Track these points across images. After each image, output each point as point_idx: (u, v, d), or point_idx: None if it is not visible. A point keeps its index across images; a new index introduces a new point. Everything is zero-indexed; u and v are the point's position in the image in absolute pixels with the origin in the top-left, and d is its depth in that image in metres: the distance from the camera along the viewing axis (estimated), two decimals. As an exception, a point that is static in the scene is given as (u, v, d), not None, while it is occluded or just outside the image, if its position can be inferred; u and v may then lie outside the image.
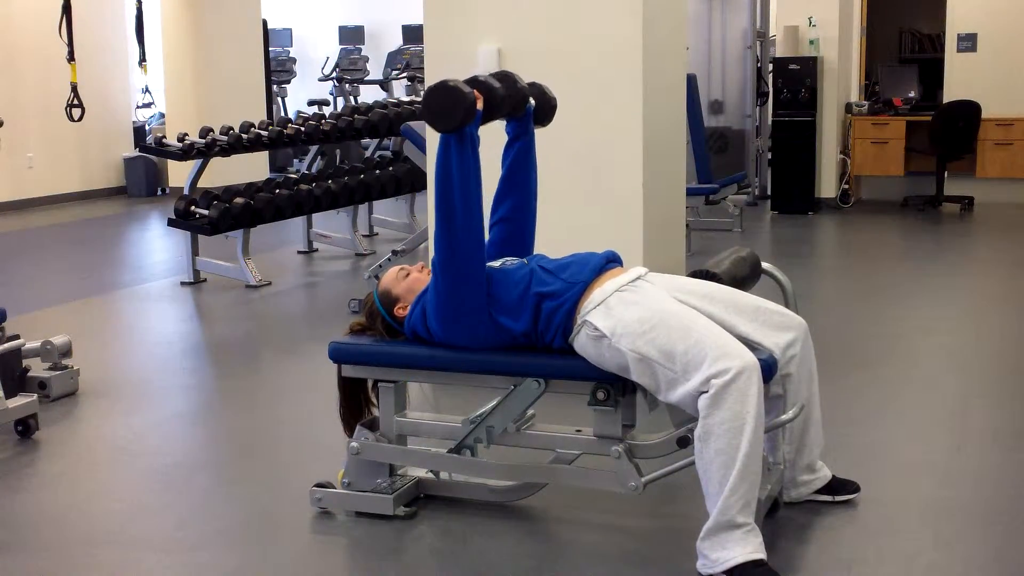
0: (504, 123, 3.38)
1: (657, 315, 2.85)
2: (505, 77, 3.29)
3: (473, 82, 3.07)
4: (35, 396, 4.16)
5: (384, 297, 3.23)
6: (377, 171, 8.38)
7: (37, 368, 4.55)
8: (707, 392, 2.71)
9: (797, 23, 9.93)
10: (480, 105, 3.00)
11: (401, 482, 3.28)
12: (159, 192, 12.60)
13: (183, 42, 12.35)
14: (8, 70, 11.24)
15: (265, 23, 13.34)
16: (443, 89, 2.92)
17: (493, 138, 3.40)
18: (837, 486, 3.27)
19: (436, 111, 2.92)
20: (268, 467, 3.81)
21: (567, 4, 4.46)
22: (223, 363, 5.39)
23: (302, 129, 8.10)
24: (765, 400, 2.78)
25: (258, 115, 12.08)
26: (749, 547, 2.71)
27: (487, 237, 3.28)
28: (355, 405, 3.33)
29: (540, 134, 4.09)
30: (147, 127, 13.12)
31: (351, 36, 16.32)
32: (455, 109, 2.90)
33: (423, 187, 6.10)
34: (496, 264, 3.14)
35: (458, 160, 2.94)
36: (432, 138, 4.73)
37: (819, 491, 3.24)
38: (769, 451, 3.07)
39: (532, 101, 3.37)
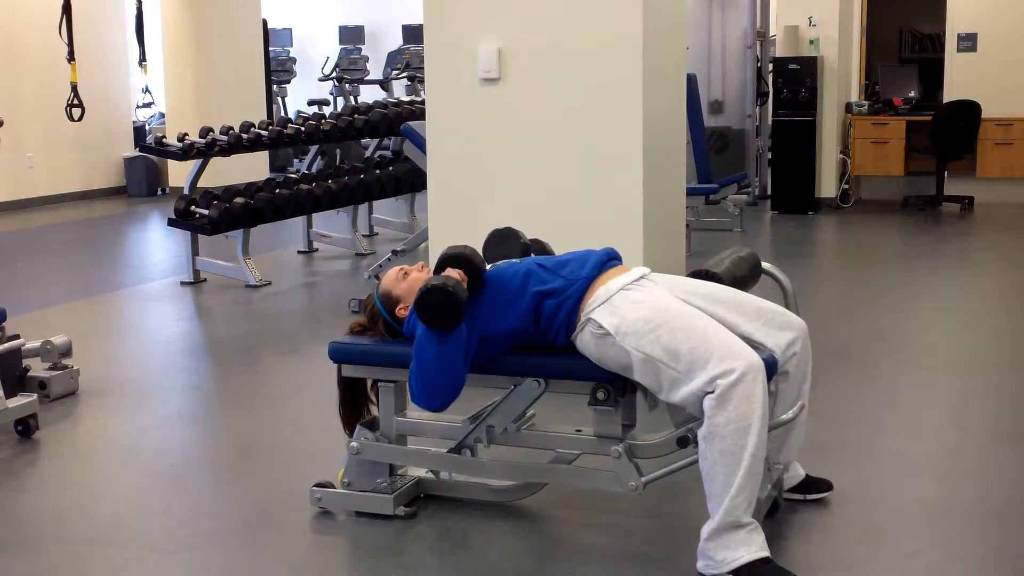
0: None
1: (662, 314, 2.85)
2: (507, 238, 3.31)
3: (458, 259, 3.02)
4: (35, 396, 4.16)
5: (385, 298, 3.23)
6: (377, 171, 8.38)
7: (37, 368, 4.55)
8: (712, 392, 2.71)
9: (797, 23, 9.93)
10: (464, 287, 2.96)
11: (401, 482, 3.28)
12: (159, 192, 12.60)
13: (183, 42, 12.35)
14: (8, 70, 11.24)
15: (265, 23, 13.34)
16: (443, 294, 2.86)
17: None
18: (809, 484, 3.27)
19: (429, 310, 2.88)
20: (268, 467, 3.81)
21: (567, 4, 4.46)
22: (223, 363, 5.39)
23: (302, 129, 8.10)
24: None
25: (258, 115, 12.07)
26: (754, 546, 2.71)
27: None
28: (355, 405, 3.33)
29: (541, 134, 4.12)
30: (147, 127, 13.12)
31: (351, 36, 16.32)
32: (449, 316, 2.88)
33: (423, 187, 6.11)
34: (487, 267, 3.14)
35: (441, 350, 2.92)
36: (432, 139, 4.74)
37: (792, 489, 3.25)
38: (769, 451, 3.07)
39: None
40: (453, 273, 2.97)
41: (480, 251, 3.20)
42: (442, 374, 2.94)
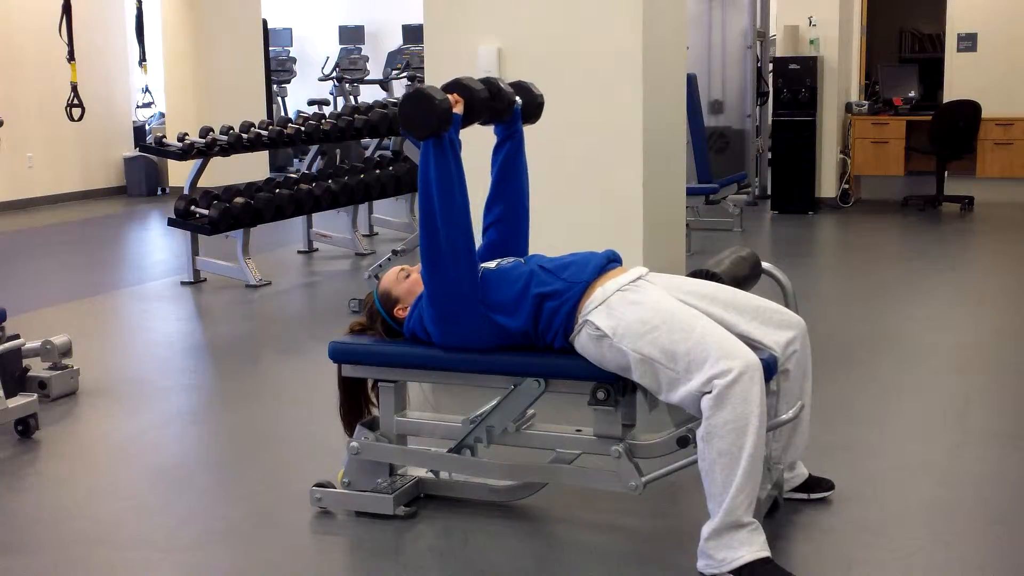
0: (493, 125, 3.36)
1: (659, 315, 2.85)
2: (487, 81, 3.28)
3: (452, 85, 3.08)
4: (35, 396, 4.15)
5: (384, 298, 3.23)
6: (377, 171, 8.38)
7: (37, 368, 4.56)
8: (710, 392, 2.71)
9: (797, 23, 9.93)
10: (459, 108, 3.01)
11: (401, 482, 3.28)
12: (159, 192, 12.60)
13: (183, 42, 12.35)
14: (8, 70, 11.24)
15: (265, 23, 13.35)
16: (416, 96, 2.92)
17: (483, 141, 3.39)
18: (812, 484, 3.28)
19: (410, 118, 2.92)
20: (268, 467, 3.81)
21: (567, 4, 4.46)
22: (223, 363, 5.39)
23: (302, 129, 8.10)
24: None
25: (258, 115, 12.08)
26: (755, 545, 2.71)
27: (481, 240, 3.28)
28: (355, 405, 3.33)
29: (541, 135, 4.10)
30: (147, 127, 13.12)
31: (351, 36, 16.32)
32: (429, 116, 2.90)
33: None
34: (491, 265, 3.14)
35: (436, 167, 2.94)
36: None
37: (795, 489, 3.25)
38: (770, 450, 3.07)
39: (519, 100, 3.36)
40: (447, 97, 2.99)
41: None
42: (446, 186, 2.93)
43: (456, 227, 2.97)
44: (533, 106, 3.46)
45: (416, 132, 2.93)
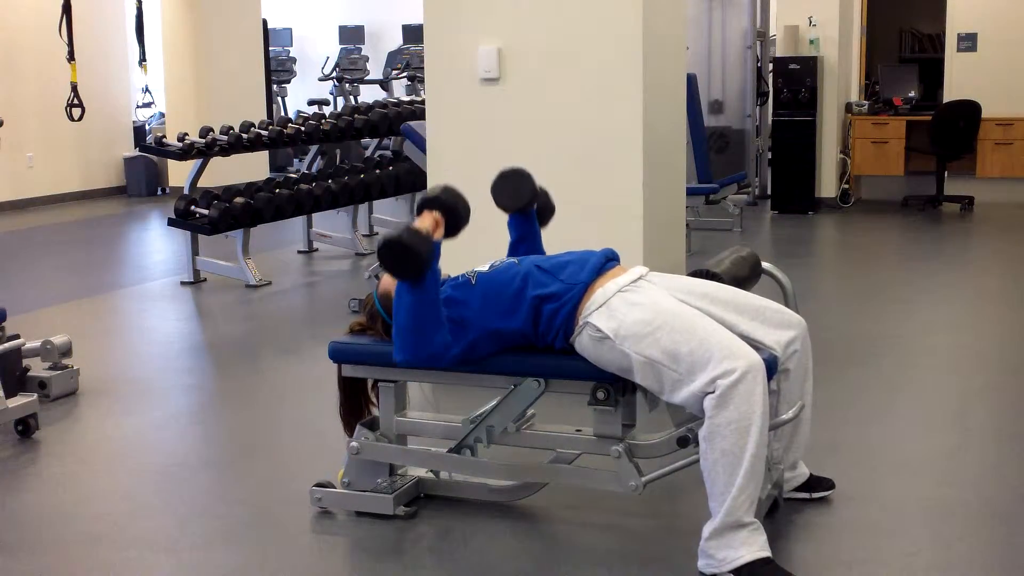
0: None
1: (660, 316, 2.85)
2: (518, 178, 3.37)
3: (435, 202, 3.05)
4: (35, 396, 4.16)
5: (384, 298, 3.22)
6: (377, 171, 8.38)
7: (37, 368, 4.55)
8: (712, 393, 2.71)
9: (797, 23, 9.93)
10: (439, 233, 3.00)
11: (401, 482, 3.28)
12: (159, 192, 12.60)
13: (183, 42, 12.35)
14: (8, 70, 11.24)
15: (265, 23, 13.34)
16: (397, 246, 2.89)
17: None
18: (814, 483, 3.28)
19: (392, 266, 2.92)
20: (268, 467, 3.81)
21: (567, 4, 4.45)
22: (223, 363, 5.39)
23: (302, 129, 8.10)
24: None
25: (258, 115, 12.08)
26: (755, 545, 2.71)
27: None
28: (355, 405, 3.33)
29: (541, 134, 4.12)
30: (147, 127, 13.11)
31: (351, 36, 16.32)
32: (410, 265, 2.90)
33: (423, 187, 6.12)
34: (484, 268, 3.14)
35: (411, 300, 2.94)
36: (432, 139, 4.74)
37: (797, 488, 3.26)
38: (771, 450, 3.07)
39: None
40: (427, 218, 3.00)
41: (490, 193, 3.26)
42: (415, 319, 2.95)
43: (423, 343, 2.98)
44: (546, 213, 3.51)
45: (394, 273, 2.94)
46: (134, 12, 11.51)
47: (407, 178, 8.41)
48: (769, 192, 10.21)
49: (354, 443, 3.24)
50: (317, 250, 8.34)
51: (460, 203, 3.08)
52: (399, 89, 15.35)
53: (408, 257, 2.89)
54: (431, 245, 2.93)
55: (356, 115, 8.36)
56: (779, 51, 10.16)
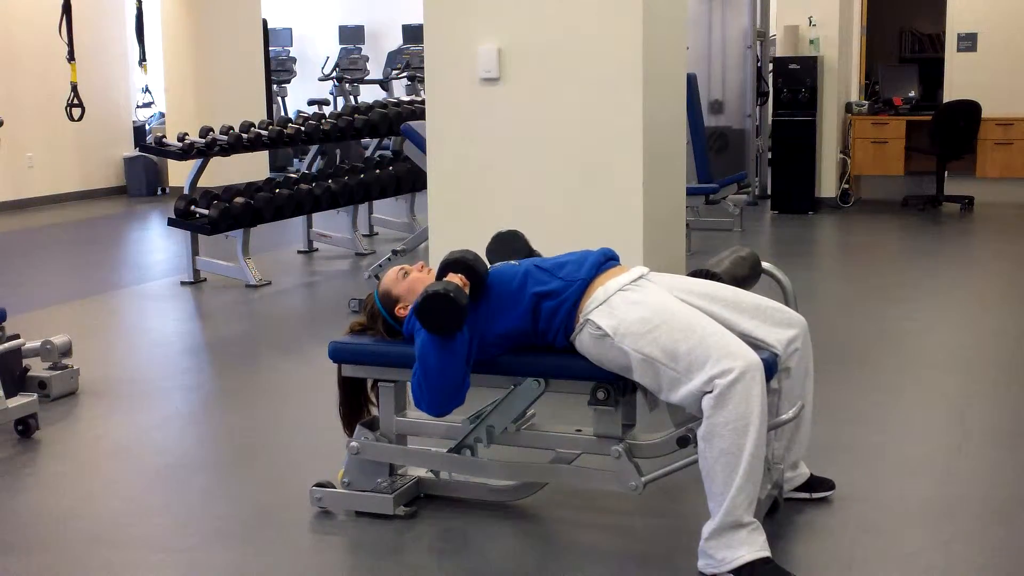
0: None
1: (660, 315, 2.85)
2: (512, 239, 3.34)
3: (459, 264, 3.02)
4: (35, 396, 4.16)
5: (384, 297, 3.23)
6: (377, 171, 8.38)
7: (37, 368, 4.55)
8: (711, 392, 2.71)
9: (797, 23, 9.93)
10: (467, 290, 2.97)
11: (401, 482, 3.28)
12: (159, 192, 12.60)
13: (183, 42, 12.35)
14: (8, 70, 11.24)
15: (265, 23, 13.34)
16: (442, 300, 2.86)
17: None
18: (814, 483, 3.28)
19: (431, 320, 2.88)
20: (268, 467, 3.81)
21: (567, 4, 4.45)
22: (223, 363, 5.39)
23: (302, 129, 8.10)
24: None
25: (258, 115, 12.09)
26: (755, 545, 2.71)
27: None
28: (355, 405, 3.33)
29: (541, 134, 4.12)
30: (147, 127, 13.12)
31: (351, 36, 16.33)
32: (450, 320, 2.88)
33: (423, 187, 6.13)
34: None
35: (442, 359, 2.92)
36: (432, 139, 4.74)
37: (797, 488, 3.26)
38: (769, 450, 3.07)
39: None
40: (454, 278, 2.97)
41: (484, 253, 3.21)
42: (445, 378, 2.94)
43: (453, 398, 2.98)
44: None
45: (431, 328, 2.89)
46: (134, 12, 11.50)
47: (407, 178, 8.41)
48: (769, 192, 10.22)
49: (354, 443, 3.24)
50: (317, 250, 8.34)
51: (481, 266, 3.07)
52: (399, 89, 15.35)
53: (450, 313, 2.86)
54: (467, 301, 2.91)
55: (356, 115, 8.36)
56: (779, 51, 10.16)
